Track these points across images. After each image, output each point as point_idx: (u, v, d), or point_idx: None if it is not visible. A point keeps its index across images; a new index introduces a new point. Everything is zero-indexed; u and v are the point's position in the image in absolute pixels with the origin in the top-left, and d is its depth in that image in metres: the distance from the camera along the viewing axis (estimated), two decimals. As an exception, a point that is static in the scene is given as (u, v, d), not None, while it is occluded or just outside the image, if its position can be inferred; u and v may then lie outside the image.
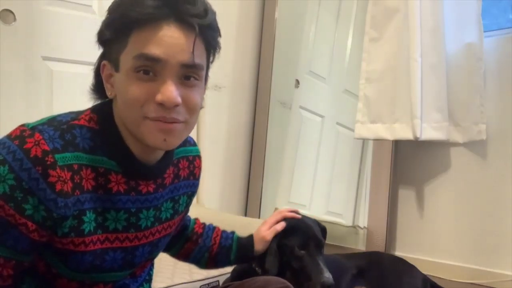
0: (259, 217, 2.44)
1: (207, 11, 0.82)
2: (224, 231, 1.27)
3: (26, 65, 1.81)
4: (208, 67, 0.88)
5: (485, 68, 1.95)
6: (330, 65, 2.70)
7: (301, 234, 1.24)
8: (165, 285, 1.52)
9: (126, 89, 0.79)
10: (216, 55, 0.89)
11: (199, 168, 1.07)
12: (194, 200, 2.50)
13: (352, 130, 2.12)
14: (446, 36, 1.94)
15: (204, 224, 1.27)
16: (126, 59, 0.79)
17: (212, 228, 1.27)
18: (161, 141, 0.81)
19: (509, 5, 2.10)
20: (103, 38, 0.84)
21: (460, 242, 2.01)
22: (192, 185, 1.05)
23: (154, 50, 0.77)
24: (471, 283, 1.92)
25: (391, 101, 1.99)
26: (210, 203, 2.39)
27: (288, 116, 2.64)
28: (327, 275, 1.17)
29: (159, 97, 0.78)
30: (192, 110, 0.83)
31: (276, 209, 2.56)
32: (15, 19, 1.75)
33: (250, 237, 1.25)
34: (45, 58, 1.84)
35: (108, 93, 0.85)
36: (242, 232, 1.95)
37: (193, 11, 0.80)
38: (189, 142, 1.06)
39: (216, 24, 0.86)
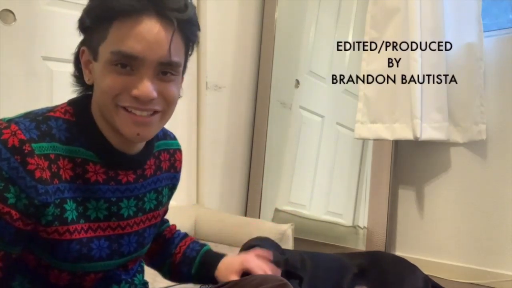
0: (259, 217, 2.44)
1: (187, 6, 0.83)
2: (195, 242, 1.17)
3: (26, 65, 1.81)
4: (186, 60, 0.90)
5: (485, 68, 1.95)
6: (330, 65, 2.70)
7: None
8: (165, 285, 1.52)
9: (103, 79, 0.81)
10: (195, 48, 0.90)
11: (180, 161, 1.09)
12: (194, 200, 2.52)
13: (352, 130, 2.12)
14: (446, 36, 1.94)
15: (177, 231, 1.20)
16: (105, 51, 0.80)
17: (182, 237, 1.18)
18: (135, 135, 0.84)
19: (509, 5, 2.10)
20: (83, 25, 0.85)
21: (460, 242, 2.01)
22: (173, 178, 1.06)
23: (132, 47, 0.78)
24: (471, 283, 1.91)
25: (391, 101, 1.99)
26: (210, 203, 2.39)
27: (288, 116, 2.64)
28: None
29: (135, 92, 0.80)
30: (169, 102, 0.85)
31: (276, 209, 2.56)
32: (15, 19, 1.75)
33: (219, 258, 1.11)
34: (45, 58, 1.84)
35: (86, 79, 0.87)
36: (241, 232, 1.95)
37: (173, 5, 0.80)
38: (169, 136, 1.08)
39: (196, 18, 0.87)
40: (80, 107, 0.88)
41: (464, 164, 2.02)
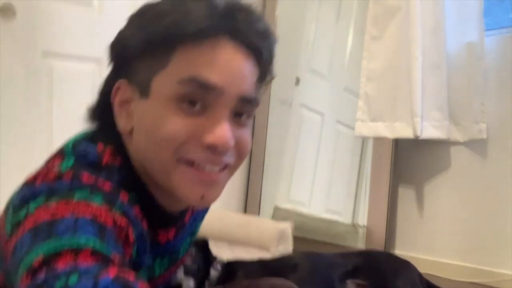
0: (258, 215, 2.43)
1: (269, 32, 0.67)
2: None
3: (26, 61, 1.80)
4: None
5: (486, 67, 1.95)
6: (331, 63, 2.69)
7: None
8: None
9: (161, 122, 0.61)
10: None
11: None
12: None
13: (353, 128, 2.12)
14: (447, 35, 1.94)
15: None
16: (166, 83, 0.61)
17: None
18: (198, 198, 0.64)
19: (510, 4, 2.09)
20: (125, 53, 0.65)
21: (460, 240, 2.01)
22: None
23: (211, 75, 0.60)
24: (471, 282, 1.91)
25: (391, 100, 1.99)
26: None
27: (288, 114, 2.64)
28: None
29: (209, 138, 0.61)
30: (243, 154, 0.67)
31: (275, 207, 2.56)
32: (15, 14, 1.74)
33: None
34: (46, 54, 1.83)
35: (121, 125, 0.66)
36: (241, 230, 1.94)
37: (256, 29, 0.64)
38: None
39: (275, 50, 0.69)
40: (119, 150, 0.67)
41: (465, 163, 2.02)
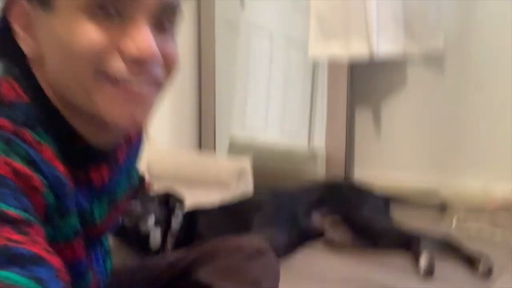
0: (214, 147, 2.34)
1: None
2: None
3: None
4: None
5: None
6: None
7: None
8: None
9: (72, 35, 0.54)
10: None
11: None
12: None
13: (305, 48, 2.01)
14: None
15: None
16: None
17: None
18: (127, 118, 0.57)
19: None
20: None
21: (419, 158, 2.02)
22: (139, 141, 0.82)
23: None
24: (429, 203, 1.92)
25: (345, 15, 1.90)
26: (161, 139, 2.25)
27: (236, 37, 2.47)
28: None
29: (129, 47, 0.54)
30: (172, 67, 0.60)
31: (232, 137, 2.47)
32: None
33: None
34: None
35: (27, 49, 0.58)
36: (199, 171, 1.85)
37: None
38: None
39: None
40: (28, 82, 0.59)
41: (421, 80, 1.99)
